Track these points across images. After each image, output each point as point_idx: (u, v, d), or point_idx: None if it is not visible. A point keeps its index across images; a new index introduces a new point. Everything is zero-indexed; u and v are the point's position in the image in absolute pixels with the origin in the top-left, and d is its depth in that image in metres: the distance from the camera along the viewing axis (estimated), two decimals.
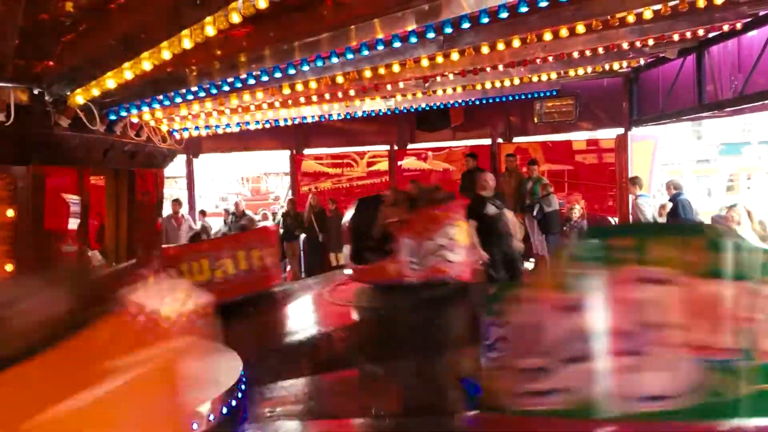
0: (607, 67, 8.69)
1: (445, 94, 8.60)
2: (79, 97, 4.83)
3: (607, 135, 11.89)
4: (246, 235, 9.19)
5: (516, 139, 12.52)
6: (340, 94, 7.62)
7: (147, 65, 4.12)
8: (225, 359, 4.55)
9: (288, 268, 12.77)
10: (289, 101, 7.53)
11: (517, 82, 8.37)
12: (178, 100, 5.69)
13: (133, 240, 7.34)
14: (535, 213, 9.91)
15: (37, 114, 4.79)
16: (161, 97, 5.67)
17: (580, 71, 8.47)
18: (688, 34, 7.15)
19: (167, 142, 7.59)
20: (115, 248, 7.26)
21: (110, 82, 4.52)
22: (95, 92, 4.72)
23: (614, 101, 11.11)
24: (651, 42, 7.18)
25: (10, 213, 4.91)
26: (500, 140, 12.50)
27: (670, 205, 8.60)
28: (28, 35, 3.86)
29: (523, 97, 10.59)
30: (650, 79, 10.41)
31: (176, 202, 12.17)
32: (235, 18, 3.43)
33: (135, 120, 6.43)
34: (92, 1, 3.73)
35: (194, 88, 5.50)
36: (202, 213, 13.50)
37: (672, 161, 24.77)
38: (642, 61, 9.48)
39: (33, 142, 4.88)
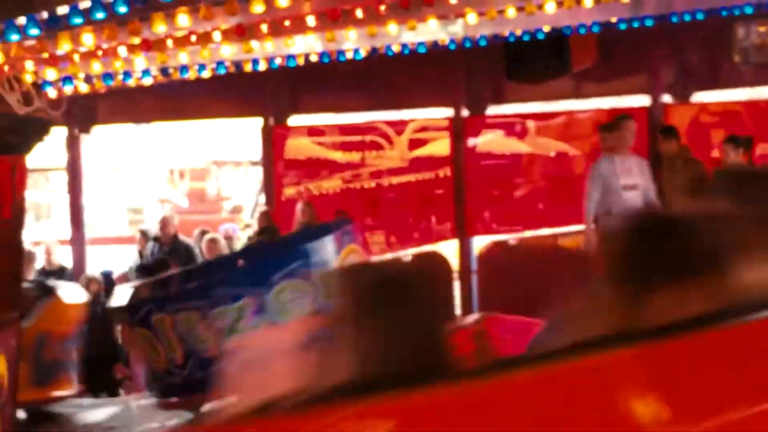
0: None
1: (562, 9, 8.59)
2: None
3: None
4: None
5: (699, 96, 12.43)
6: (359, 13, 7.64)
7: None
8: None
9: None
10: (263, 27, 7.58)
11: None
12: (57, 26, 5.77)
13: None
14: None
15: None
16: (23, 20, 5.75)
17: None
18: None
19: (33, 105, 7.69)
20: None
21: None
22: None
23: None
24: None
25: None
26: (668, 98, 12.42)
27: None
28: None
29: (711, 15, 10.49)
30: None
31: None
32: None
33: None
34: None
35: (85, 4, 5.57)
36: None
37: None
38: None
39: None
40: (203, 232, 13.46)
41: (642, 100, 12.56)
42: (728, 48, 11.55)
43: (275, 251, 10.02)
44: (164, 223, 13.22)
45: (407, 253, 12.80)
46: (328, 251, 9.07)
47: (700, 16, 10.21)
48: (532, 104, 13.28)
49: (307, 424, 2.29)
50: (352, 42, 8.84)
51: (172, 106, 13.31)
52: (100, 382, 12.56)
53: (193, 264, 12.32)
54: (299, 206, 12.51)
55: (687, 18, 10.08)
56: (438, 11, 7.99)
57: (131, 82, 8.85)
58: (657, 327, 2.10)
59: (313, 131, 13.96)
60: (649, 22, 9.95)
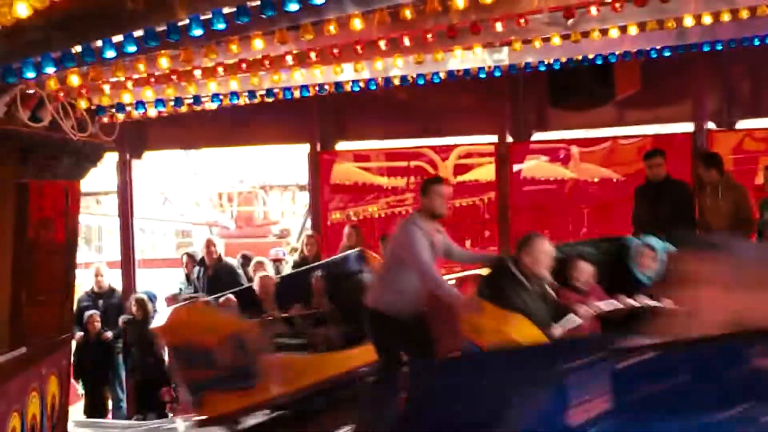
0: None
1: (606, 38, 8.55)
2: None
3: None
4: None
5: (744, 123, 12.34)
6: (406, 41, 7.67)
7: None
8: None
9: None
10: (312, 55, 7.61)
11: (744, 14, 8.26)
12: (110, 54, 5.82)
13: (22, 312, 7.49)
14: None
15: None
16: (79, 49, 5.81)
17: None
18: None
19: (87, 131, 7.76)
20: None
21: None
22: None
23: None
24: None
25: None
26: (712, 125, 12.34)
27: None
28: None
29: (756, 43, 10.41)
30: None
31: None
32: None
33: (31, 91, 6.60)
34: None
35: (138, 33, 5.62)
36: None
37: None
38: None
39: None
40: (244, 257, 13.46)
41: (686, 127, 12.47)
42: None
43: None
44: (208, 245, 13.26)
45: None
46: None
47: (745, 44, 10.14)
48: (576, 131, 13.23)
49: None
50: (399, 69, 8.85)
51: (221, 133, 13.41)
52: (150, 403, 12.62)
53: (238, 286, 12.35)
54: (346, 230, 12.53)
55: (732, 45, 10.01)
56: (484, 39, 7.99)
57: (182, 109, 8.91)
58: None
59: (359, 157, 13.99)
60: (693, 49, 9.89)
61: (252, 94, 8.73)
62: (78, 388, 13.12)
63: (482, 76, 9.82)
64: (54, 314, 8.27)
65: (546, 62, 9.75)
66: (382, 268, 8.75)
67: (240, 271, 12.87)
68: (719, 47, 9.89)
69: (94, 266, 13.78)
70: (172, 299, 12.96)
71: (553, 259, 7.82)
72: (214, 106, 9.05)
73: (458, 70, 9.46)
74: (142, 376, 12.63)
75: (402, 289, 7.93)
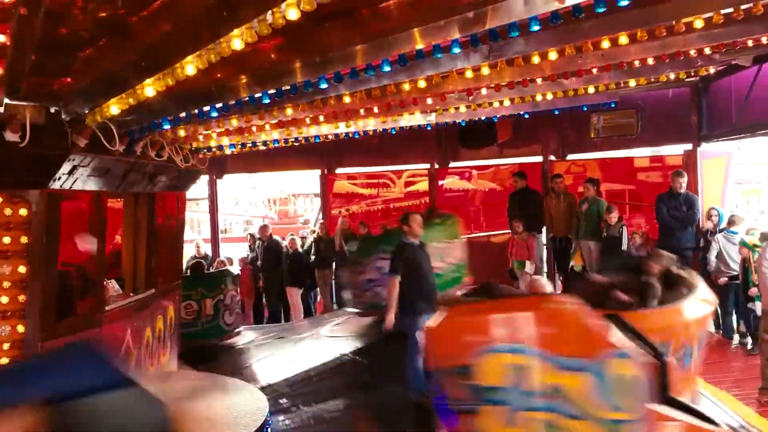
0: (672, 76, 8.55)
1: (492, 107, 8.57)
2: (97, 116, 4.96)
3: (674, 151, 11.72)
4: None
5: (570, 156, 12.42)
6: (375, 109, 7.66)
7: (170, 81, 4.20)
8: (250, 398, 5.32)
9: (319, 298, 12.81)
10: (320, 117, 7.60)
11: (571, 93, 8.31)
12: (203, 117, 5.79)
13: (153, 268, 7.46)
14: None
15: (54, 134, 4.92)
16: (183, 114, 5.78)
17: (642, 81, 8.36)
18: (765, 39, 7.02)
19: (190, 162, 7.73)
20: (132, 277, 7.40)
21: (130, 99, 4.62)
22: (114, 110, 4.84)
23: (681, 114, 10.95)
24: (722, 49, 7.04)
25: (24, 240, 5.04)
26: (552, 157, 12.40)
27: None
28: (44, 51, 3.94)
29: (578, 109, 10.49)
30: (722, 90, 10.24)
31: None
32: (264, 30, 3.48)
33: (156, 139, 6.57)
34: (113, 14, 3.81)
35: (218, 105, 5.60)
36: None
37: (749, 179, 24.19)
38: (712, 70, 9.33)
39: (49, 162, 5.02)
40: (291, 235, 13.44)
41: (538, 158, 12.55)
42: (587, 128, 11.54)
43: None
44: (263, 228, 13.20)
45: None
46: None
47: (571, 109, 10.20)
48: (475, 161, 13.26)
49: None
50: (372, 126, 8.87)
51: (269, 163, 13.35)
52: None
53: (281, 253, 12.26)
54: (339, 220, 12.52)
55: (564, 111, 10.07)
56: (421, 108, 8.01)
57: (246, 149, 8.88)
58: None
59: (349, 177, 13.99)
60: (542, 113, 9.95)
61: (286, 140, 8.72)
62: None
63: (421, 128, 9.86)
64: (171, 270, 8.24)
65: (457, 121, 9.79)
66: None
67: (284, 244, 12.81)
68: (557, 112, 10.00)
69: (195, 242, 13.71)
70: (243, 260, 12.91)
71: None
72: (263, 147, 9.02)
73: (406, 126, 9.49)
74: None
75: None
